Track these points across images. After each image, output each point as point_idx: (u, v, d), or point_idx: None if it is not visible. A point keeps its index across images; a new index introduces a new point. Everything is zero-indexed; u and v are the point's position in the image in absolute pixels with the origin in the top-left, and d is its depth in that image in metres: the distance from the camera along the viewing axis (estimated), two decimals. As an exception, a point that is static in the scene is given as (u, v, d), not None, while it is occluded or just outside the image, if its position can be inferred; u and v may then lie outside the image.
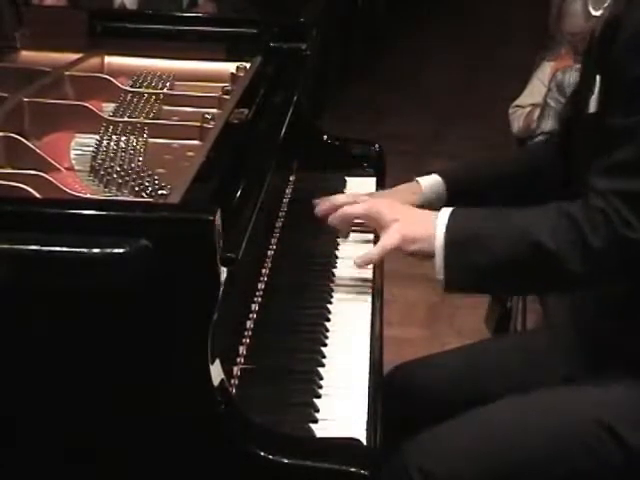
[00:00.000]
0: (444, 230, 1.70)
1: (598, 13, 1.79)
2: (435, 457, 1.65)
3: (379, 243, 1.78)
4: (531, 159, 2.08)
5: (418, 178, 2.00)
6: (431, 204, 1.94)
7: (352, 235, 1.98)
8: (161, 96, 2.09)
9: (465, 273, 1.70)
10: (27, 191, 1.53)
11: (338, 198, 1.91)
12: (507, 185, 2.02)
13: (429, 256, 1.72)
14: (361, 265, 1.80)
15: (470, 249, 1.70)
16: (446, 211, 1.74)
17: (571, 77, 3.61)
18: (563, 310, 3.18)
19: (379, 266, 1.95)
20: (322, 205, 1.90)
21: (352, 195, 1.96)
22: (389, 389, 1.73)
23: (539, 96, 3.87)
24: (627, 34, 1.65)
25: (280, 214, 2.04)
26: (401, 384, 1.90)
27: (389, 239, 1.76)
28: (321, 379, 1.53)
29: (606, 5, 1.76)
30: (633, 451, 1.63)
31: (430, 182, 1.98)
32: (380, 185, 2.33)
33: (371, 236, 2.00)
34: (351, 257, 1.95)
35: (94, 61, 2.29)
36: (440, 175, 1.99)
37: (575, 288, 1.77)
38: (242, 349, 1.56)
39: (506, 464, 1.65)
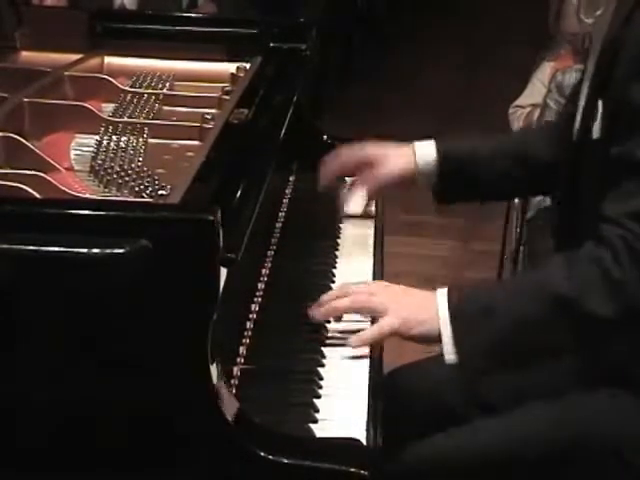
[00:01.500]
0: (447, 306, 1.58)
1: (589, 21, 1.76)
2: (433, 468, 1.65)
3: (376, 324, 1.62)
4: (529, 139, 2.04)
5: (416, 145, 1.97)
6: (420, 171, 1.95)
7: (352, 225, 2.01)
8: (161, 96, 2.09)
9: (479, 347, 1.57)
10: (27, 191, 1.53)
11: (324, 297, 1.68)
12: (498, 167, 1.99)
13: (434, 340, 1.59)
14: (355, 345, 1.60)
15: (480, 320, 1.56)
16: (443, 289, 1.62)
17: (571, 77, 3.61)
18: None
19: (379, 267, 1.95)
20: (316, 311, 1.67)
21: (341, 289, 1.72)
22: (387, 392, 1.73)
23: (539, 96, 3.87)
24: (629, 57, 1.58)
25: (280, 214, 2.04)
26: (400, 387, 1.89)
27: (387, 322, 1.60)
28: (321, 379, 1.53)
29: (598, 14, 1.73)
30: (636, 472, 1.62)
31: (424, 152, 1.96)
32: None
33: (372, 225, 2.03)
34: (351, 257, 1.96)
35: (94, 61, 2.29)
36: (437, 146, 1.97)
37: (610, 335, 1.58)
38: (242, 349, 1.56)
39: (504, 475, 1.65)
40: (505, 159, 1.97)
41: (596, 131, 1.67)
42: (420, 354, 2.04)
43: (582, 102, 1.75)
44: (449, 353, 1.57)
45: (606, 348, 1.65)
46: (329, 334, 1.64)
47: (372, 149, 2.00)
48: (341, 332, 1.65)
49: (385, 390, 1.60)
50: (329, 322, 1.67)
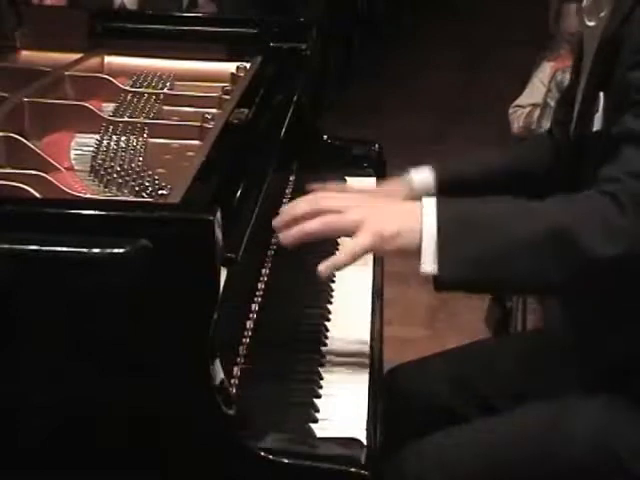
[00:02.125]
0: (435, 217, 1.48)
1: (592, 24, 1.76)
2: (433, 468, 1.64)
3: (346, 245, 1.50)
4: (522, 154, 2.05)
5: (412, 173, 1.97)
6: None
7: None
8: (161, 96, 2.09)
9: (462, 259, 1.46)
10: (27, 191, 1.53)
11: (289, 209, 1.58)
12: (495, 184, 2.00)
13: (411, 252, 1.48)
14: (324, 273, 1.50)
15: (469, 235, 1.47)
16: (431, 199, 1.53)
17: (571, 77, 3.61)
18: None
19: (379, 266, 1.95)
20: (280, 218, 1.57)
21: (310, 202, 1.57)
22: (387, 391, 1.73)
23: (539, 96, 3.88)
24: (629, 51, 1.58)
25: (280, 214, 2.04)
26: (400, 386, 1.89)
27: (360, 241, 1.48)
28: (321, 379, 1.53)
29: (602, 15, 1.73)
30: (634, 477, 1.62)
31: (422, 182, 1.96)
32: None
33: None
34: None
35: (94, 61, 2.30)
36: (433, 171, 1.97)
37: (601, 278, 1.51)
38: (242, 349, 1.56)
39: (504, 476, 1.65)
40: (503, 175, 1.99)
41: (597, 123, 1.65)
42: (420, 354, 2.05)
43: (579, 100, 1.75)
44: (428, 265, 1.46)
45: (591, 293, 1.59)
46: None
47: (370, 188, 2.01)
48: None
49: (385, 389, 1.60)
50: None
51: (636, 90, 1.56)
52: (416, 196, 1.90)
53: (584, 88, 1.74)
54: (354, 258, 1.49)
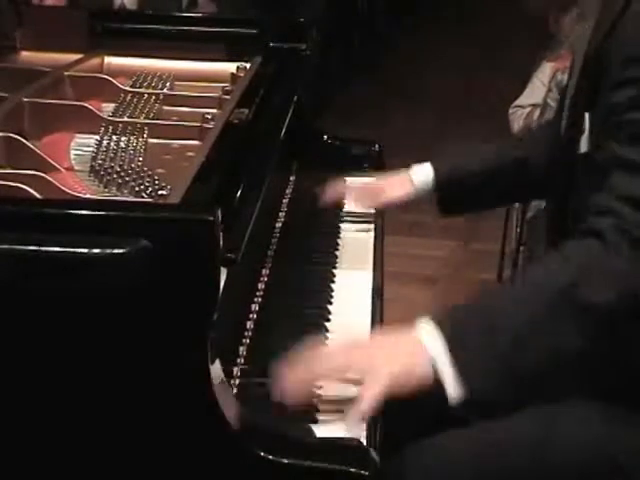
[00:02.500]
0: (438, 337, 1.39)
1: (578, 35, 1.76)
2: (434, 467, 1.64)
3: (366, 393, 1.37)
4: (522, 148, 2.05)
5: (413, 170, 2.03)
6: (419, 196, 2.02)
7: (352, 225, 2.01)
8: (161, 96, 2.09)
9: (486, 371, 1.37)
10: (27, 191, 1.53)
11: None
12: (495, 178, 2.02)
13: (432, 382, 1.39)
14: (354, 424, 1.37)
15: (480, 341, 1.38)
16: (426, 322, 1.43)
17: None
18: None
19: (379, 266, 1.95)
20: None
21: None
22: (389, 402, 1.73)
23: (539, 96, 3.87)
24: (614, 69, 1.55)
25: (280, 214, 2.04)
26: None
27: (377, 386, 1.37)
28: (321, 379, 1.52)
29: (586, 27, 1.72)
30: None
31: (422, 179, 2.02)
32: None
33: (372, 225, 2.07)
34: (351, 257, 1.96)
35: (94, 61, 2.30)
36: (433, 168, 2.03)
37: (613, 326, 1.44)
38: (242, 349, 1.56)
39: (505, 477, 1.65)
40: (506, 168, 2.00)
41: (584, 145, 1.64)
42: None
43: (565, 115, 1.75)
44: (454, 389, 1.37)
45: (615, 344, 1.48)
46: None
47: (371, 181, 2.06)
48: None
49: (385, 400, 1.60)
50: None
51: (620, 111, 1.54)
52: (417, 191, 2.02)
53: (569, 107, 1.74)
54: (378, 404, 1.38)
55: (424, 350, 1.39)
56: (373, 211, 2.16)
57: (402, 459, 1.66)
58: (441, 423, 1.72)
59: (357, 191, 2.14)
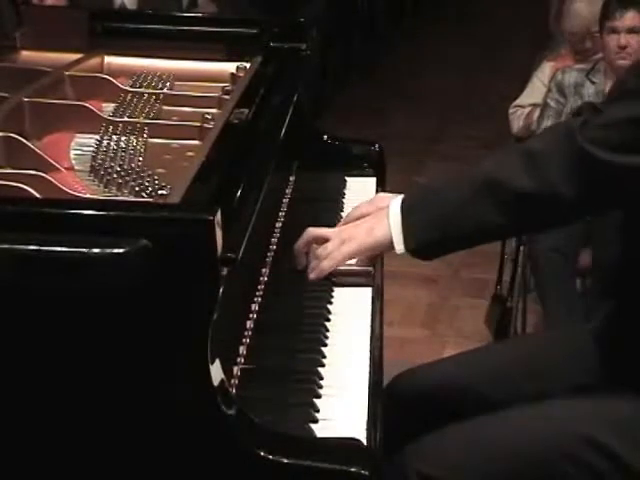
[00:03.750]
0: (398, 205, 1.71)
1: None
2: (434, 462, 1.64)
3: (329, 256, 1.77)
4: None
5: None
6: None
7: None
8: (161, 96, 2.09)
9: (424, 231, 1.69)
10: (27, 191, 1.53)
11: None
12: None
13: (390, 243, 1.73)
14: (314, 279, 1.78)
15: (423, 205, 1.70)
16: (400, 196, 1.75)
17: (571, 77, 3.62)
18: (566, 313, 3.19)
19: (379, 266, 1.95)
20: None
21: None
22: (391, 398, 1.73)
23: (539, 96, 3.88)
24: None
25: (280, 214, 2.04)
26: (403, 393, 1.89)
27: (344, 248, 1.76)
28: (321, 379, 1.52)
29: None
30: (635, 475, 1.62)
31: None
32: (380, 185, 2.33)
33: None
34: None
35: (94, 61, 2.29)
36: None
37: (534, 213, 1.69)
38: (242, 349, 1.56)
39: (505, 474, 1.65)
40: None
41: None
42: (420, 354, 2.05)
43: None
44: (399, 243, 1.70)
45: (531, 224, 1.80)
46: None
47: (382, 202, 2.03)
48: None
49: (387, 398, 1.60)
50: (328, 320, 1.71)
51: None
52: None
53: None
54: (338, 262, 1.76)
55: (386, 214, 1.73)
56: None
57: (403, 457, 1.66)
58: (442, 424, 1.73)
59: None
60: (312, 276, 1.76)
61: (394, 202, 1.74)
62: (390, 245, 1.73)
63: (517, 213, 1.67)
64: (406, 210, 1.70)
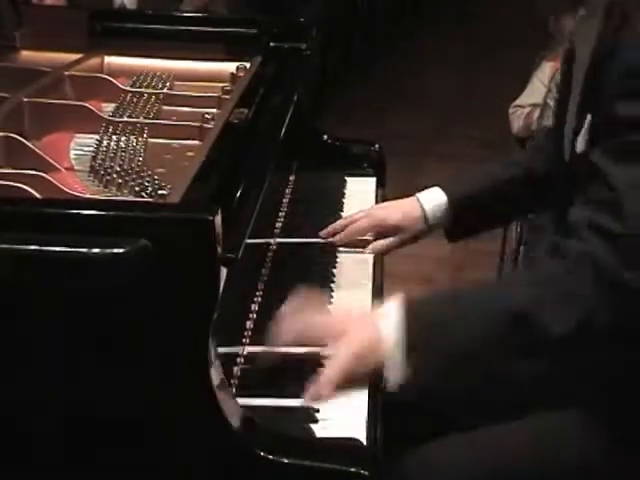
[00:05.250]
0: (400, 328, 1.50)
1: (582, 41, 1.74)
2: (433, 472, 1.64)
3: (329, 367, 1.48)
4: (532, 162, 2.03)
5: (419, 195, 1.98)
6: (435, 219, 1.97)
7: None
8: (161, 96, 2.09)
9: (430, 364, 1.50)
10: (27, 191, 1.53)
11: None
12: (506, 193, 2.01)
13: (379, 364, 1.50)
14: (311, 400, 1.46)
15: (432, 337, 1.49)
16: (392, 305, 1.56)
17: (571, 77, 3.61)
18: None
19: (379, 266, 1.95)
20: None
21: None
22: (389, 403, 1.73)
23: (539, 96, 3.88)
24: (618, 74, 1.54)
25: (280, 214, 2.04)
26: (400, 400, 1.89)
27: (341, 361, 1.48)
28: (321, 379, 1.52)
29: (591, 33, 1.70)
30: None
31: (433, 202, 1.97)
32: (380, 185, 2.33)
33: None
34: (351, 257, 1.95)
35: (94, 61, 2.30)
36: (442, 189, 1.98)
37: (563, 354, 1.52)
38: (242, 349, 1.56)
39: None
40: (516, 179, 1.99)
41: (580, 144, 1.64)
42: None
43: (571, 114, 1.74)
44: (397, 372, 1.48)
45: (563, 369, 1.60)
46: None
47: (379, 217, 1.99)
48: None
49: (385, 404, 1.60)
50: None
51: (619, 125, 1.52)
52: (429, 220, 1.96)
53: (577, 104, 1.72)
54: (340, 377, 1.48)
55: (383, 346, 1.49)
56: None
57: (403, 463, 1.66)
58: (442, 430, 1.73)
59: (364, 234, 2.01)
60: (307, 399, 1.47)
61: (390, 325, 1.50)
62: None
63: (545, 355, 1.52)
64: (407, 345, 1.48)
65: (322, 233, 1.97)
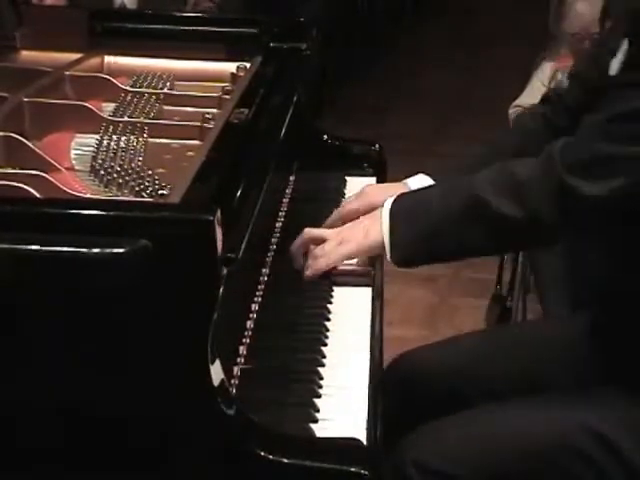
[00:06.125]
0: (388, 211, 1.71)
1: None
2: (431, 450, 1.65)
3: (326, 255, 1.76)
4: (519, 144, 2.03)
5: (406, 180, 1.97)
6: None
7: None
8: (161, 96, 2.09)
9: (411, 243, 1.70)
10: (27, 191, 1.53)
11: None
12: None
13: (381, 247, 1.72)
14: (310, 277, 1.77)
15: (412, 216, 1.70)
16: (390, 198, 1.75)
17: (571, 77, 3.61)
18: (566, 313, 3.20)
19: (379, 266, 1.95)
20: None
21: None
22: (389, 383, 1.74)
23: (539, 96, 3.86)
24: None
25: (280, 214, 2.04)
26: (401, 377, 1.90)
27: (342, 249, 1.75)
28: (321, 379, 1.53)
29: None
30: (636, 470, 1.62)
31: (419, 183, 1.95)
32: (380, 185, 2.33)
33: None
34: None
35: (94, 61, 2.30)
36: (428, 175, 1.97)
37: (520, 236, 1.72)
38: (242, 349, 1.56)
39: (503, 465, 1.65)
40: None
41: (614, 68, 1.70)
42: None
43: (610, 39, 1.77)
44: (388, 252, 1.71)
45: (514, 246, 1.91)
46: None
47: (375, 199, 1.97)
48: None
49: (385, 384, 1.60)
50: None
51: None
52: None
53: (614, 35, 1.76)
54: (334, 264, 1.77)
55: (379, 220, 1.73)
56: None
57: (400, 444, 1.66)
58: (442, 410, 1.73)
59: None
60: (308, 273, 1.76)
61: (386, 204, 1.74)
62: (383, 250, 1.74)
63: (501, 236, 1.71)
64: (394, 220, 1.71)
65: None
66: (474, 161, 2.01)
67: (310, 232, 1.82)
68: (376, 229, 1.73)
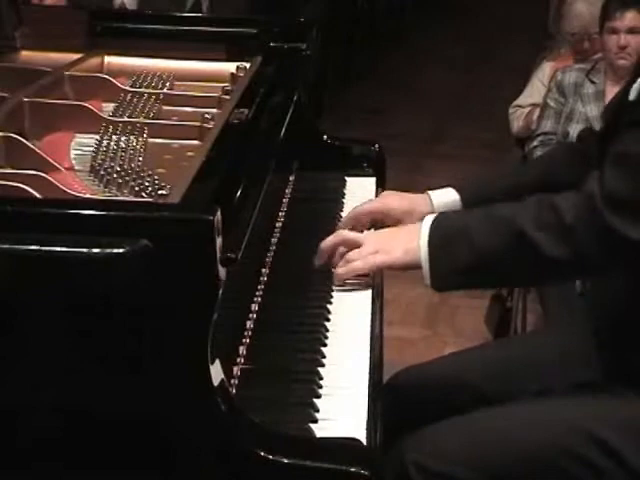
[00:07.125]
0: (427, 234, 1.69)
1: None
2: (431, 453, 1.65)
3: (363, 259, 1.76)
4: (548, 167, 2.02)
5: (430, 192, 1.96)
6: None
7: None
8: (161, 96, 2.09)
9: (451, 274, 1.68)
10: (27, 191, 1.53)
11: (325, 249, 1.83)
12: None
13: (415, 266, 1.71)
14: (343, 278, 1.79)
15: (453, 247, 1.68)
16: (429, 217, 1.73)
17: (571, 77, 3.62)
18: (566, 313, 3.20)
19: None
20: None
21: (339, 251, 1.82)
22: (390, 395, 1.73)
23: (539, 96, 3.88)
24: None
25: (280, 214, 2.04)
26: (402, 390, 1.89)
27: (376, 258, 1.75)
28: (321, 379, 1.52)
29: None
30: (635, 473, 1.62)
31: (444, 200, 1.95)
32: (380, 185, 2.33)
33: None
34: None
35: (94, 61, 2.30)
36: (456, 190, 1.96)
37: (562, 277, 1.76)
38: (242, 349, 1.56)
39: (503, 468, 1.65)
40: (526, 190, 1.97)
41: (634, 94, 1.70)
42: (420, 354, 2.05)
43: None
44: (426, 279, 1.70)
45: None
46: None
47: (392, 205, 1.99)
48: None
49: (386, 396, 1.60)
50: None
51: None
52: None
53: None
54: (369, 269, 1.78)
55: (418, 238, 1.70)
56: None
57: (401, 447, 1.66)
58: (440, 417, 1.73)
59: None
60: (341, 272, 1.77)
61: (424, 225, 1.71)
62: (418, 268, 1.72)
63: (545, 275, 1.73)
64: (433, 247, 1.69)
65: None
66: (503, 178, 2.02)
67: (344, 235, 1.82)
68: (414, 250, 1.70)
